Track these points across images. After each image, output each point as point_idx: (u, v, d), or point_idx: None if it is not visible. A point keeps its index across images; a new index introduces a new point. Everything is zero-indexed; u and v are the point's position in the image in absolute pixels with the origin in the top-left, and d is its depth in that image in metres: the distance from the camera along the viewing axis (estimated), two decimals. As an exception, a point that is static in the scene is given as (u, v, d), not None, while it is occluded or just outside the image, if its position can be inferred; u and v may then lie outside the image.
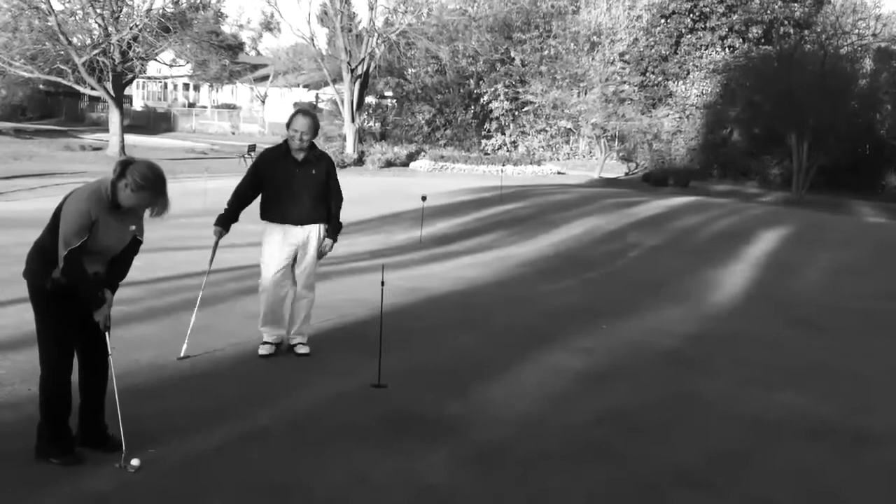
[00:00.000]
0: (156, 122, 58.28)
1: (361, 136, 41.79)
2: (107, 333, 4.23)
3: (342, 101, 40.07)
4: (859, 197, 33.24)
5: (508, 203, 19.20)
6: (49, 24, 34.02)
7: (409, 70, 47.41)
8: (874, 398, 6.58)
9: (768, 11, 39.44)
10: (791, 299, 10.93)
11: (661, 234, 16.19)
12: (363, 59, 39.60)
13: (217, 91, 66.16)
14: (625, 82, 41.97)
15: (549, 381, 6.26)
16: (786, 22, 39.99)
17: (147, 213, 4.19)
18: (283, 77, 59.22)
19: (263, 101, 61.01)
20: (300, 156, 6.08)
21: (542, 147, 44.70)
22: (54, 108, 61.20)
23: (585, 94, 42.48)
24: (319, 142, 6.31)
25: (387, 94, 48.95)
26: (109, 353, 4.28)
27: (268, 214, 6.18)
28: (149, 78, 56.35)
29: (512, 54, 44.23)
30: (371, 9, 40.01)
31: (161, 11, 37.09)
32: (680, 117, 39.69)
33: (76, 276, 4.02)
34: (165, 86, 67.69)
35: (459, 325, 7.95)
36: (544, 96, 42.83)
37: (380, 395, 5.60)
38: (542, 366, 6.65)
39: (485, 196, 20.57)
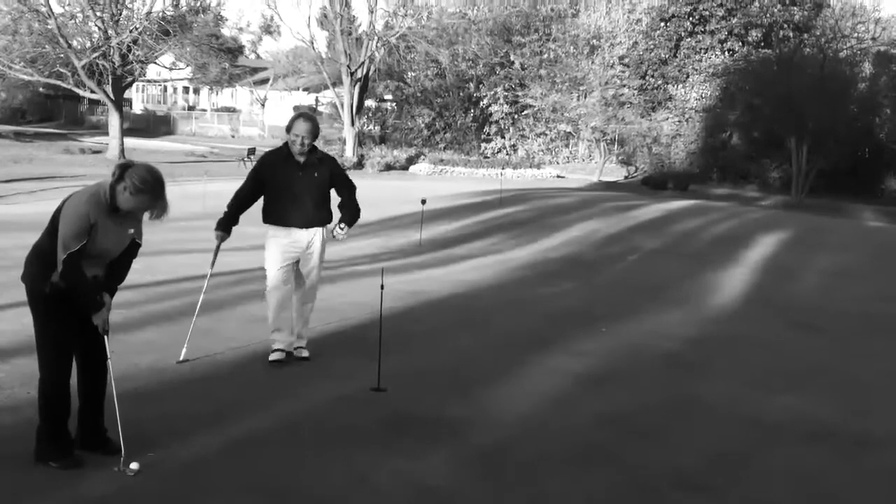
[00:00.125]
0: (155, 125, 58.29)
1: (361, 139, 41.81)
2: (105, 337, 4.22)
3: (342, 105, 40.09)
4: (859, 200, 33.27)
5: (508, 206, 19.21)
6: (49, 27, 34.02)
7: (409, 73, 47.47)
8: (874, 401, 6.58)
9: (768, 15, 39.50)
10: (790, 302, 10.93)
11: (660, 238, 16.19)
12: (363, 63, 39.63)
13: (217, 94, 66.23)
14: (624, 86, 42.03)
15: (549, 383, 6.26)
16: (785, 25, 40.05)
17: (146, 216, 4.18)
18: (282, 80, 59.28)
19: (263, 105, 61.07)
20: (302, 159, 6.05)
21: (542, 150, 44.74)
22: (54, 112, 61.20)
23: (585, 97, 42.53)
24: (319, 145, 6.29)
25: (386, 97, 49.00)
26: (108, 356, 4.27)
27: (270, 218, 6.15)
28: (148, 81, 56.33)
29: (511, 58, 44.28)
30: (371, 12, 40.06)
31: (161, 14, 37.11)
32: (679, 121, 39.73)
33: (75, 279, 4.02)
34: (165, 89, 67.75)
35: (459, 328, 7.95)
36: (544, 100, 42.87)
37: (380, 397, 5.60)
38: (542, 369, 6.64)
39: (484, 200, 20.57)
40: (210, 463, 4.37)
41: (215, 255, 6.36)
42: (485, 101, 44.70)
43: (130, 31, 35.21)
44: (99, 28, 36.12)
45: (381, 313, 6.05)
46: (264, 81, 61.24)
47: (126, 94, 44.44)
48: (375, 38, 39.92)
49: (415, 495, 4.19)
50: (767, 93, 35.33)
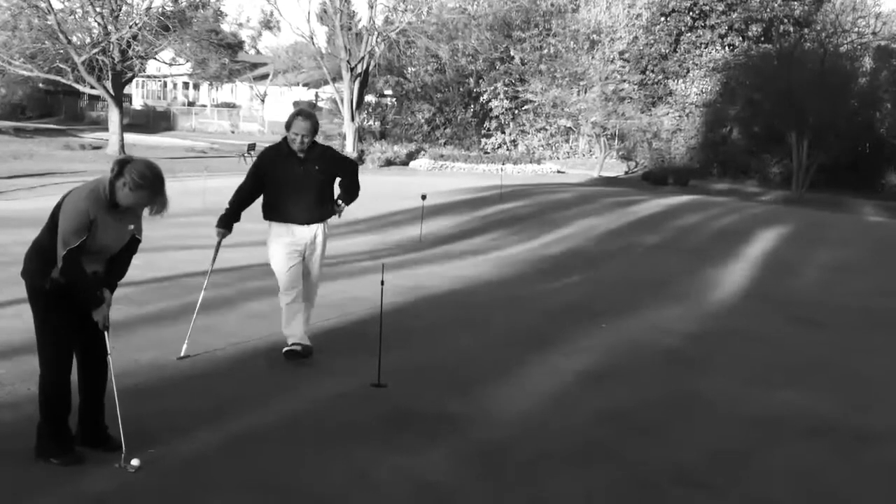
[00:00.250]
0: (155, 120, 58.25)
1: (361, 134, 41.78)
2: (106, 333, 4.22)
3: (342, 100, 40.06)
4: (859, 195, 33.25)
5: (508, 202, 19.21)
6: (48, 22, 33.99)
7: (409, 69, 47.41)
8: (874, 396, 6.58)
9: (768, 9, 39.44)
10: (791, 297, 10.93)
11: (660, 233, 16.19)
12: (363, 58, 39.58)
13: (217, 90, 66.11)
14: (624, 81, 41.98)
15: (549, 380, 6.26)
16: (785, 20, 39.99)
17: (146, 211, 4.18)
18: (282, 76, 59.22)
19: (263, 100, 60.99)
20: (302, 155, 6.04)
21: (542, 146, 44.72)
22: (54, 107, 61.16)
23: (585, 92, 42.49)
24: (319, 140, 6.27)
25: (386, 92, 48.98)
26: (108, 352, 4.27)
27: (271, 214, 6.13)
28: (148, 76, 56.30)
29: (512, 53, 44.23)
30: (371, 7, 40.00)
31: (160, 10, 37.06)
32: (680, 116, 39.70)
33: (75, 275, 4.01)
34: (165, 84, 67.66)
35: (459, 324, 7.95)
36: (544, 95, 42.83)
37: (380, 394, 5.60)
38: (542, 365, 6.64)
39: (485, 195, 20.58)
40: (210, 459, 4.37)
41: (216, 251, 6.36)
42: (485, 97, 44.68)
43: (130, 27, 35.18)
44: (99, 24, 36.10)
45: (381, 309, 6.05)
46: (264, 77, 61.15)
47: (126, 90, 44.45)
48: (375, 33, 39.86)
49: (415, 491, 4.19)
50: (768, 88, 35.30)
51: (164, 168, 4.24)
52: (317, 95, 57.14)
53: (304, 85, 58.90)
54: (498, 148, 44.51)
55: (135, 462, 4.11)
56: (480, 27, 44.34)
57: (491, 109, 44.78)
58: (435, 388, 5.83)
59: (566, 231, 15.88)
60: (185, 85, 67.79)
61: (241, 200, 6.18)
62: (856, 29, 42.63)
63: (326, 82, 45.37)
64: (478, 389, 5.89)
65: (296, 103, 51.71)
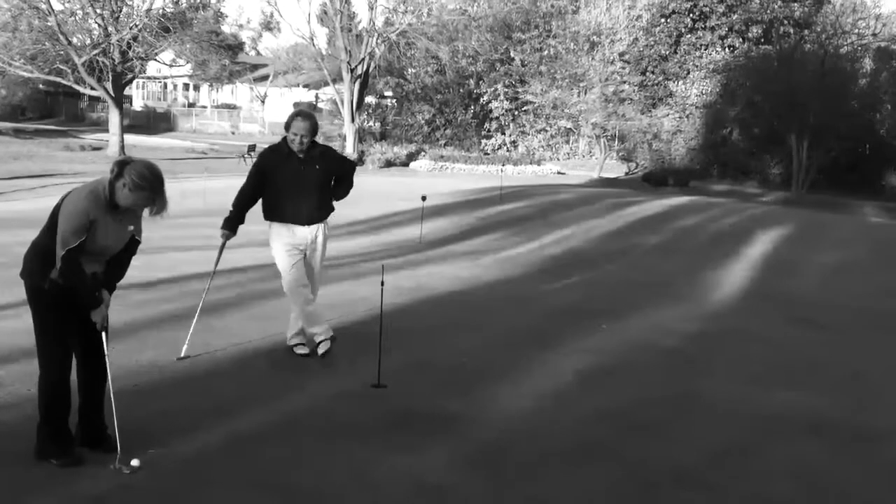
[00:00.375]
0: (155, 122, 58.30)
1: (361, 135, 41.79)
2: (104, 334, 4.22)
3: (342, 101, 40.07)
4: (859, 196, 33.25)
5: (508, 203, 19.20)
6: (49, 23, 34.00)
7: (409, 70, 47.43)
8: (874, 395, 6.58)
9: (768, 11, 39.44)
10: (791, 298, 10.92)
11: (661, 234, 16.19)
12: (363, 59, 39.59)
13: (217, 91, 66.17)
14: (625, 82, 41.99)
15: (549, 380, 6.26)
16: (786, 21, 40.00)
17: (146, 212, 4.18)
18: (282, 77, 59.25)
19: (263, 101, 61.03)
20: (302, 154, 6.04)
21: (542, 147, 44.72)
22: (54, 108, 61.22)
23: (585, 93, 42.49)
24: (319, 142, 6.28)
25: (387, 93, 48.98)
26: (107, 353, 4.26)
27: (272, 214, 6.14)
28: (148, 78, 56.33)
29: (512, 54, 44.24)
30: (371, 8, 40.01)
31: (161, 11, 37.09)
32: (680, 117, 39.70)
33: (74, 276, 4.01)
34: (165, 86, 67.71)
35: (460, 324, 7.95)
36: (544, 96, 42.84)
37: (380, 394, 5.60)
38: (543, 365, 6.64)
39: (485, 196, 20.57)
40: (211, 459, 4.37)
41: (219, 254, 6.36)
42: (485, 98, 44.68)
43: (130, 28, 35.20)
44: (99, 25, 36.12)
45: (381, 310, 6.05)
46: (264, 78, 61.19)
47: (126, 91, 44.48)
48: (375, 34, 39.87)
49: (415, 491, 4.19)
50: (768, 89, 35.31)
51: (164, 169, 4.24)
52: (317, 97, 57.17)
53: (305, 86, 58.93)
54: (498, 149, 44.51)
55: (135, 462, 4.11)
56: (480, 28, 44.36)
57: (491, 111, 44.78)
58: (435, 388, 5.84)
59: (566, 232, 15.88)
60: (186, 86, 67.86)
61: (243, 202, 6.18)
62: (856, 30, 42.64)
63: (327, 83, 45.39)
64: (478, 389, 5.89)
65: (296, 104, 51.70)
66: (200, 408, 5.09)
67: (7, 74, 39.71)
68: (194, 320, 6.25)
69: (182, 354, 6.04)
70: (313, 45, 42.53)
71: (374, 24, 40.36)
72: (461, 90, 45.55)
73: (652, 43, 41.04)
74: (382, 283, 6.06)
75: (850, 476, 4.83)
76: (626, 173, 39.99)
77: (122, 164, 4.04)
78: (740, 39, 39.78)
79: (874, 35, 42.48)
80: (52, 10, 33.75)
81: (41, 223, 4.20)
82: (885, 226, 22.51)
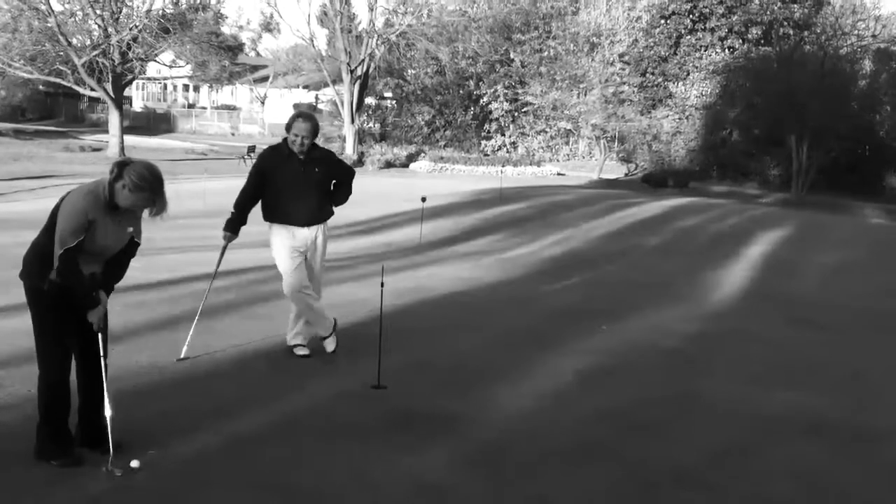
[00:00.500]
0: (155, 123, 58.32)
1: (361, 137, 41.81)
2: (101, 335, 4.20)
3: (342, 102, 40.09)
4: (859, 198, 33.26)
5: (508, 204, 19.20)
6: (49, 24, 34.03)
7: (409, 71, 47.47)
8: (874, 395, 6.58)
9: (768, 12, 39.47)
10: (791, 298, 10.92)
11: (661, 235, 16.19)
12: (363, 60, 39.62)
13: (217, 92, 66.21)
14: (624, 83, 42.02)
15: (549, 380, 6.26)
16: (785, 23, 40.02)
17: (146, 213, 4.17)
18: (282, 78, 59.27)
19: (263, 102, 61.05)
20: (302, 156, 6.05)
21: (542, 148, 44.74)
22: (54, 109, 61.24)
23: (585, 95, 42.51)
24: (319, 142, 6.29)
25: (386, 95, 49.01)
26: (102, 354, 4.23)
27: (272, 215, 6.13)
28: (148, 79, 56.37)
29: (511, 55, 44.26)
30: (371, 10, 40.07)
31: (161, 12, 37.13)
32: (679, 118, 39.72)
33: (71, 275, 4.00)
34: (165, 87, 67.74)
35: (459, 325, 7.95)
36: (544, 97, 42.86)
37: (380, 394, 5.60)
38: (542, 365, 6.64)
39: (485, 197, 20.57)
40: (210, 460, 4.37)
41: (221, 255, 6.36)
42: (485, 99, 44.70)
43: (130, 29, 35.22)
44: (99, 26, 36.13)
45: (381, 310, 6.05)
46: (264, 79, 61.22)
47: (126, 92, 44.49)
48: (375, 35, 39.92)
49: (415, 491, 4.19)
50: (768, 90, 35.33)
51: (163, 170, 4.24)
52: (317, 98, 57.19)
53: (305, 87, 58.95)
54: (498, 150, 44.54)
55: (134, 463, 4.11)
56: (480, 30, 44.40)
57: (491, 112, 44.80)
58: (435, 389, 5.83)
59: (566, 233, 15.88)
60: (186, 87, 67.89)
61: (244, 203, 6.17)
62: (855, 31, 42.68)
63: (326, 84, 45.42)
64: (478, 389, 5.89)
65: (296, 105, 51.72)
66: (200, 409, 5.08)
67: (7, 75, 39.73)
68: (194, 321, 6.24)
69: (182, 355, 6.04)
70: (313, 46, 42.59)
71: (374, 25, 40.41)
72: (461, 91, 45.57)
73: (652, 44, 41.06)
74: (382, 284, 6.06)
75: (850, 476, 4.83)
76: (626, 174, 40.01)
77: (122, 165, 4.04)
78: (740, 41, 39.80)
79: (874, 36, 42.53)
80: (52, 11, 33.77)
81: (41, 224, 4.20)
82: (885, 227, 22.53)
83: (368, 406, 5.36)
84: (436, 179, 31.78)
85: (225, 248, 6.30)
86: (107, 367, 4.27)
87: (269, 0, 59.74)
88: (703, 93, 39.09)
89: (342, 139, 40.96)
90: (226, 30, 46.31)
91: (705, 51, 39.84)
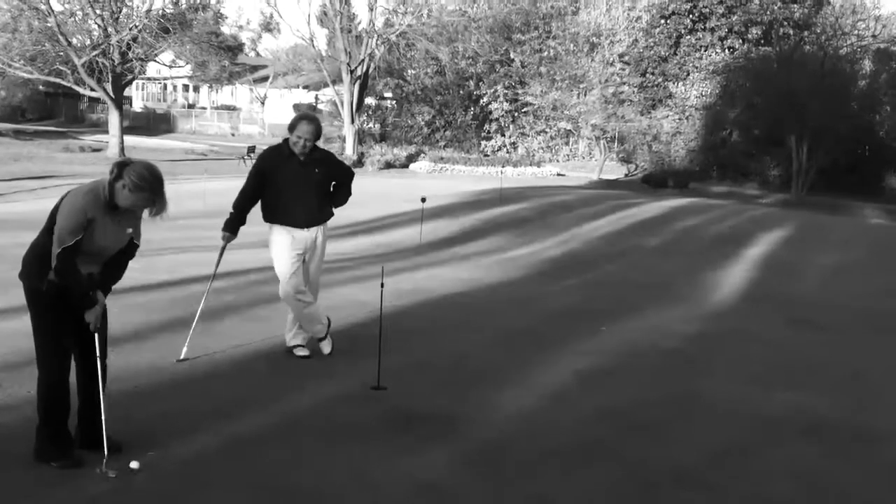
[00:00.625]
0: (155, 123, 58.32)
1: (361, 137, 41.81)
2: (97, 336, 4.20)
3: (342, 103, 40.08)
4: (859, 198, 33.26)
5: (508, 204, 19.19)
6: (48, 24, 34.02)
7: (409, 71, 47.47)
8: (874, 396, 6.58)
9: (768, 12, 39.47)
10: (791, 299, 10.92)
11: (661, 236, 16.19)
12: (363, 60, 39.62)
13: (217, 92, 66.21)
14: (624, 83, 42.01)
15: (550, 380, 6.25)
16: (785, 23, 40.02)
17: (146, 213, 4.17)
18: (282, 78, 59.28)
19: (263, 103, 61.05)
20: (303, 157, 6.04)
21: (542, 148, 44.75)
22: (54, 110, 61.24)
23: (585, 95, 42.51)
24: (319, 143, 6.28)
25: (386, 95, 49.01)
26: (98, 354, 4.21)
27: (272, 217, 6.13)
28: (148, 79, 56.38)
29: (511, 55, 44.26)
30: (371, 10, 40.07)
31: (160, 12, 37.12)
32: (679, 118, 39.72)
33: (69, 274, 3.99)
34: (165, 87, 67.75)
35: (459, 326, 7.95)
36: (544, 97, 42.86)
37: (380, 395, 5.60)
38: (542, 365, 6.64)
39: (485, 198, 20.56)
40: (210, 461, 4.36)
41: (220, 256, 6.36)
42: (485, 99, 44.70)
43: (130, 29, 35.22)
44: (99, 26, 36.13)
45: (381, 311, 6.05)
46: (264, 79, 61.22)
47: (126, 92, 44.48)
48: (375, 35, 39.91)
49: (415, 492, 4.19)
50: (768, 90, 35.32)
51: (163, 170, 4.23)
52: (317, 98, 57.19)
53: (304, 87, 58.95)
54: (498, 150, 44.54)
55: (134, 464, 4.11)
56: (480, 30, 44.41)
57: (491, 112, 44.80)
58: (435, 390, 5.83)
59: (566, 233, 15.88)
60: (185, 87, 67.90)
61: (244, 203, 6.17)
62: (855, 32, 42.68)
63: (326, 85, 45.41)
64: (478, 390, 5.89)
65: (296, 106, 51.74)
66: (200, 410, 5.08)
67: (7, 75, 39.72)
68: (194, 322, 6.24)
69: (181, 356, 6.03)
70: (313, 46, 42.59)
71: (373, 25, 40.41)
72: (461, 91, 45.57)
73: (651, 44, 41.07)
74: (382, 285, 6.06)
75: (850, 476, 4.83)
76: (626, 175, 40.01)
77: (122, 165, 4.03)
78: (740, 41, 39.81)
79: (874, 36, 42.53)
80: (52, 11, 33.77)
81: (40, 225, 4.20)
82: (885, 227, 22.53)
83: (368, 406, 5.36)
84: (436, 180, 31.79)
85: (224, 248, 6.30)
86: (105, 367, 4.27)
87: (269, 0, 59.81)
88: (703, 93, 39.10)
89: (342, 139, 40.95)
90: (226, 30, 46.35)
91: (705, 51, 39.85)
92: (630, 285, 11.26)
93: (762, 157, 38.02)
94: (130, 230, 4.20)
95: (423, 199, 14.47)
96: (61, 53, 35.47)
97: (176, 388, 5.49)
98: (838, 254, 15.15)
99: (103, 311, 4.22)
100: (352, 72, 39.26)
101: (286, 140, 6.04)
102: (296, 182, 6.01)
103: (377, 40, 39.95)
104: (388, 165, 38.29)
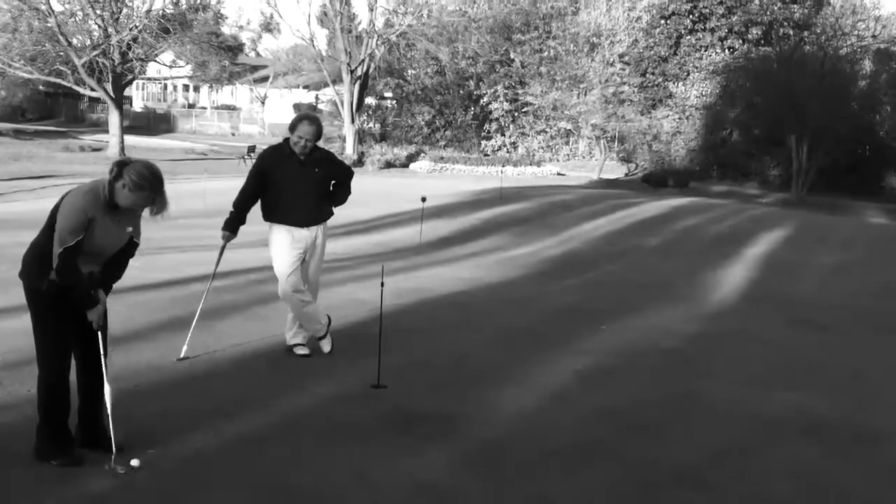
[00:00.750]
0: (155, 123, 58.32)
1: (361, 137, 41.80)
2: (100, 334, 4.20)
3: (342, 103, 40.08)
4: (859, 198, 33.26)
5: (508, 204, 19.20)
6: (49, 25, 34.03)
7: (409, 71, 47.47)
8: (874, 396, 6.58)
9: (768, 13, 39.47)
10: (791, 299, 10.92)
11: (661, 235, 16.19)
12: (363, 60, 39.61)
13: (217, 92, 66.21)
14: (624, 83, 42.01)
15: (549, 380, 6.25)
16: (785, 23, 40.02)
17: (147, 212, 4.17)
18: (282, 78, 59.28)
19: (263, 103, 61.05)
20: (303, 157, 6.05)
21: (542, 148, 44.74)
22: (54, 109, 61.25)
23: (585, 95, 42.50)
24: (319, 143, 6.29)
25: (387, 95, 49.01)
26: (102, 353, 4.23)
27: (272, 216, 6.14)
28: (148, 79, 56.38)
29: (511, 55, 44.26)
30: (371, 10, 40.06)
31: (161, 12, 37.12)
32: (679, 118, 39.72)
33: (70, 274, 3.99)
34: (165, 87, 67.75)
35: (459, 325, 7.94)
36: (544, 97, 42.86)
37: (380, 394, 5.60)
38: (542, 365, 6.64)
39: (485, 197, 20.56)
40: (210, 460, 4.37)
41: (220, 255, 6.36)
42: (485, 99, 44.69)
43: (130, 30, 35.22)
44: (99, 26, 36.13)
45: (381, 310, 6.05)
46: (264, 79, 61.21)
47: (126, 92, 44.47)
48: (376, 35, 39.90)
49: (414, 491, 4.19)
50: (768, 90, 35.32)
51: (163, 170, 4.24)
52: (317, 98, 57.20)
53: (305, 87, 58.96)
54: (498, 150, 44.53)
55: (134, 462, 4.11)
56: (480, 30, 44.40)
57: (491, 112, 44.79)
58: (435, 389, 5.83)
59: (566, 233, 15.88)
60: (186, 87, 67.89)
61: (244, 202, 6.17)
62: (855, 32, 42.67)
63: (327, 85, 45.41)
64: (478, 389, 5.88)
65: (296, 106, 51.73)
66: (200, 409, 5.08)
67: (7, 75, 39.72)
68: (194, 321, 6.24)
69: (182, 355, 6.03)
70: (313, 46, 42.58)
71: (374, 25, 40.40)
72: (461, 91, 45.57)
73: (652, 44, 41.06)
74: (382, 284, 6.06)
75: (849, 476, 4.83)
76: (626, 174, 40.00)
77: (121, 165, 4.03)
78: (740, 41, 39.80)
79: (874, 37, 42.53)
80: (52, 12, 33.77)
81: (40, 224, 4.20)
82: (885, 227, 22.53)
83: (368, 406, 5.36)
84: (436, 179, 31.79)
85: (224, 247, 6.31)
86: (107, 366, 4.27)
87: (269, 0, 59.78)
88: (703, 93, 39.10)
89: (342, 139, 40.95)
90: (226, 30, 46.35)
91: (705, 51, 39.84)
92: (630, 285, 11.26)
93: (762, 157, 38.01)
94: (130, 229, 4.20)
95: (424, 199, 14.47)
96: (61, 53, 35.47)
97: (176, 386, 5.49)
98: (838, 253, 15.15)
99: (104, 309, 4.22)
100: (352, 72, 39.26)
101: (286, 139, 6.05)
102: (296, 181, 6.01)
103: (377, 40, 39.95)
104: (389, 165, 38.28)
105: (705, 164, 38.96)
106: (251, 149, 35.34)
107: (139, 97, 67.39)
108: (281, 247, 6.10)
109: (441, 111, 45.99)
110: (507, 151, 43.95)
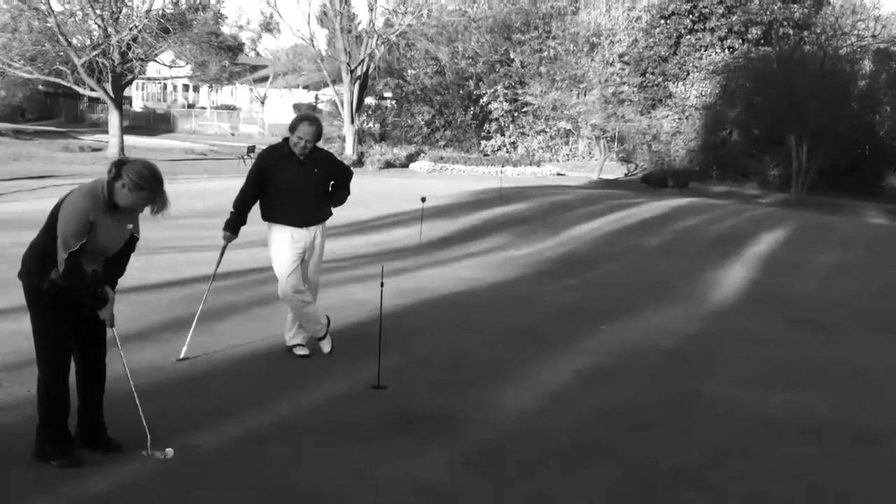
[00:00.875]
0: (155, 123, 58.32)
1: (361, 137, 41.80)
2: (113, 330, 4.22)
3: (342, 102, 40.08)
4: (859, 198, 33.27)
5: (508, 204, 19.19)
6: (48, 24, 34.02)
7: (409, 71, 47.47)
8: (874, 396, 6.58)
9: (768, 12, 39.48)
10: (790, 299, 10.92)
11: (660, 236, 16.19)
12: (363, 60, 39.61)
13: (216, 92, 66.19)
14: (624, 83, 42.02)
15: (549, 380, 6.25)
16: (785, 23, 40.03)
17: (147, 211, 4.17)
18: (282, 78, 59.30)
19: (263, 102, 61.06)
20: (303, 157, 6.05)
21: (542, 148, 44.75)
22: (54, 109, 61.24)
23: (585, 95, 42.51)
24: (319, 143, 6.29)
25: (386, 95, 49.01)
26: (119, 347, 4.31)
27: (271, 216, 6.13)
28: (148, 79, 56.34)
29: (511, 55, 44.27)
30: (371, 10, 40.06)
31: (160, 12, 37.10)
32: (679, 118, 39.73)
33: (77, 277, 4.00)
34: (165, 87, 67.74)
35: (459, 325, 7.94)
36: (544, 97, 42.87)
37: (380, 394, 5.60)
38: (542, 365, 6.64)
39: (484, 197, 20.56)
40: (210, 460, 4.37)
41: (221, 255, 6.36)
42: (485, 99, 44.71)
43: (130, 29, 35.20)
44: (98, 26, 36.12)
45: (381, 311, 6.05)
46: (264, 79, 61.21)
47: (126, 92, 44.47)
48: (375, 35, 39.90)
49: (414, 492, 4.19)
50: (767, 90, 35.33)
51: (163, 170, 4.24)
52: (317, 98, 57.20)
53: (304, 87, 58.97)
54: (497, 150, 44.54)
55: (169, 451, 4.24)
56: (480, 30, 44.41)
57: (491, 112, 44.80)
58: (435, 389, 5.83)
59: (566, 233, 15.88)
60: (185, 87, 67.89)
61: (244, 202, 6.17)
62: (855, 32, 42.68)
63: (326, 84, 45.42)
64: (478, 389, 5.89)
65: (296, 106, 51.74)
66: (200, 409, 5.08)
67: (7, 75, 39.70)
68: (194, 322, 6.24)
69: (182, 356, 6.03)
70: (313, 46, 42.58)
71: (373, 25, 40.40)
72: (461, 91, 45.57)
73: (651, 44, 41.07)
74: (382, 284, 6.06)
75: (849, 476, 4.83)
76: (626, 174, 40.01)
77: (120, 165, 4.03)
78: (740, 41, 39.81)
79: (874, 36, 42.54)
80: (52, 11, 33.76)
81: (40, 224, 4.19)
82: (885, 227, 22.53)
83: (368, 406, 5.36)
84: (436, 179, 31.79)
85: (224, 248, 6.31)
86: (105, 365, 4.31)
87: (269, 0, 59.75)
88: (703, 93, 39.11)
89: (342, 139, 40.95)
90: (226, 30, 46.30)
91: (705, 51, 39.85)
92: (630, 285, 11.25)
93: (762, 157, 38.02)
94: (130, 226, 4.21)
95: (423, 199, 14.46)
96: (61, 53, 35.46)
97: (176, 387, 5.49)
98: (838, 254, 15.15)
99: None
100: (352, 72, 39.25)
101: (286, 139, 6.05)
102: (295, 181, 6.02)
103: (377, 40, 39.95)
104: (388, 165, 38.28)
105: (705, 164, 38.97)
106: (251, 149, 35.34)
107: (139, 97, 67.39)
108: (280, 247, 6.10)
109: (441, 111, 46.00)
110: (507, 151, 43.96)
